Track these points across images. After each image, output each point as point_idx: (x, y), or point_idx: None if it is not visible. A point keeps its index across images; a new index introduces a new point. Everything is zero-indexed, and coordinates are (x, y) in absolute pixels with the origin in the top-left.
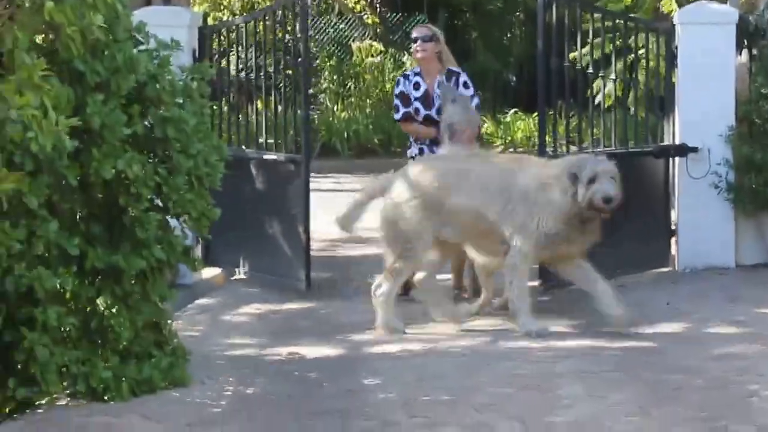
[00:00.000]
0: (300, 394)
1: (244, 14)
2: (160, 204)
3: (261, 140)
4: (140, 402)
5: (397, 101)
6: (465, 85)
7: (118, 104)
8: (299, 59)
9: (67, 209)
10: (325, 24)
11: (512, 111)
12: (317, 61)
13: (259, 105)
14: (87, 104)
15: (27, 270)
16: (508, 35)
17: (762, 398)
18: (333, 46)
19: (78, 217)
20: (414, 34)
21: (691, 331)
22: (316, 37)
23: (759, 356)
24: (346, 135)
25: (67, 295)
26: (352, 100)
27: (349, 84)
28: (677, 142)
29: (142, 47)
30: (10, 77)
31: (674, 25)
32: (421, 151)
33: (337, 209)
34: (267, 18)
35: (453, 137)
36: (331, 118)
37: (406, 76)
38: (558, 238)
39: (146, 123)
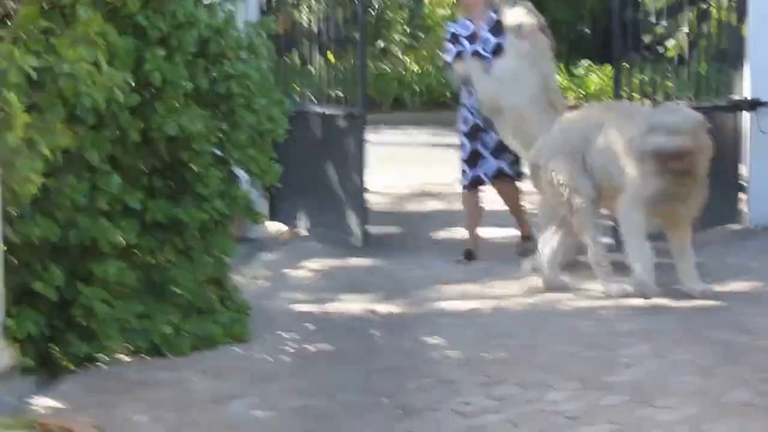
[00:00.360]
0: (360, 351)
1: None
2: (222, 157)
3: (322, 94)
4: (200, 357)
5: (447, 44)
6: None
7: (182, 60)
8: (357, 11)
9: (130, 164)
10: None
11: (585, 63)
12: (389, 14)
13: (324, 58)
14: (146, 59)
15: (90, 223)
16: None
17: None
18: None
19: (140, 171)
20: None
21: (759, 289)
22: None
23: None
24: (417, 88)
25: (130, 250)
26: (425, 52)
27: (421, 37)
28: (748, 96)
29: (206, 1)
30: (65, 32)
31: None
32: (466, 120)
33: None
34: None
35: (520, 34)
36: (403, 72)
37: (455, 21)
38: (649, 193)
39: (210, 78)
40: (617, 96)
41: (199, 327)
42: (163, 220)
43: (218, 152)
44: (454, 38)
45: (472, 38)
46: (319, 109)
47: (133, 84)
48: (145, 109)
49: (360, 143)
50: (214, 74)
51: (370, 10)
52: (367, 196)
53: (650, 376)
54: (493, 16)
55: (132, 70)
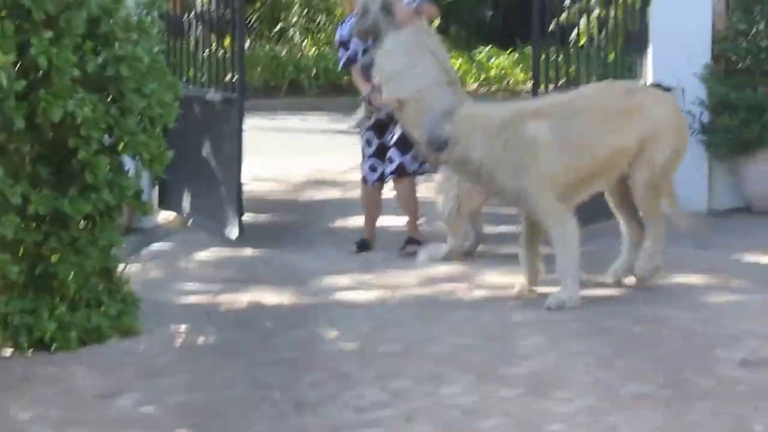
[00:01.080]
0: (252, 344)
1: None
2: (112, 145)
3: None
4: (87, 352)
5: (339, 51)
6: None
7: (70, 43)
8: None
9: (14, 150)
10: None
11: (487, 48)
12: None
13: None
14: (32, 44)
15: None
16: None
17: (724, 348)
18: None
19: (25, 159)
20: None
21: (659, 279)
22: None
23: (725, 306)
24: (314, 72)
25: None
26: (322, 35)
27: (319, 18)
28: (651, 80)
29: None
30: None
31: None
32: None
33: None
34: None
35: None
36: (299, 54)
37: (342, 23)
38: None
39: (98, 61)
40: (536, 82)
41: (86, 320)
42: (45, 212)
43: (107, 138)
44: (342, 44)
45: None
46: (200, 94)
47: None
48: (30, 94)
49: (237, 130)
50: (103, 56)
51: None
52: (254, 184)
53: (547, 368)
54: None
55: (17, 54)
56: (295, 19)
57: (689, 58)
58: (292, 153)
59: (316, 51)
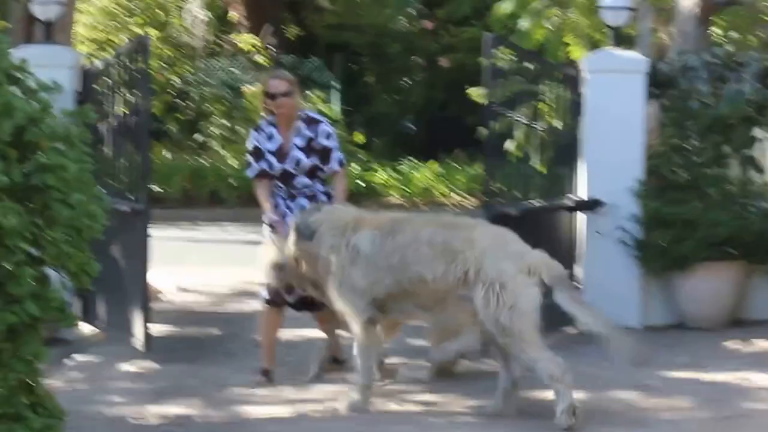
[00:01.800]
0: None
1: None
2: (36, 256)
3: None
4: None
5: (249, 157)
6: (327, 136)
7: None
8: (139, 99)
9: None
10: (215, 67)
11: (409, 160)
12: (208, 106)
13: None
14: None
15: None
16: (407, 81)
17: None
18: (223, 89)
19: None
20: (270, 90)
21: (593, 397)
22: (206, 79)
23: (662, 424)
24: (235, 183)
25: None
26: (242, 145)
27: (239, 129)
28: (583, 195)
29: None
30: None
31: (580, 71)
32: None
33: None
34: (121, 58)
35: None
36: (221, 166)
37: (258, 129)
38: None
39: (23, 170)
40: (486, 193)
41: None
42: None
43: (32, 250)
44: (257, 152)
45: (278, 152)
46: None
47: None
48: None
49: (143, 240)
50: (29, 165)
51: (188, 102)
52: (178, 295)
53: None
54: (305, 130)
55: None
56: (216, 131)
57: (622, 173)
58: (214, 264)
59: (236, 161)
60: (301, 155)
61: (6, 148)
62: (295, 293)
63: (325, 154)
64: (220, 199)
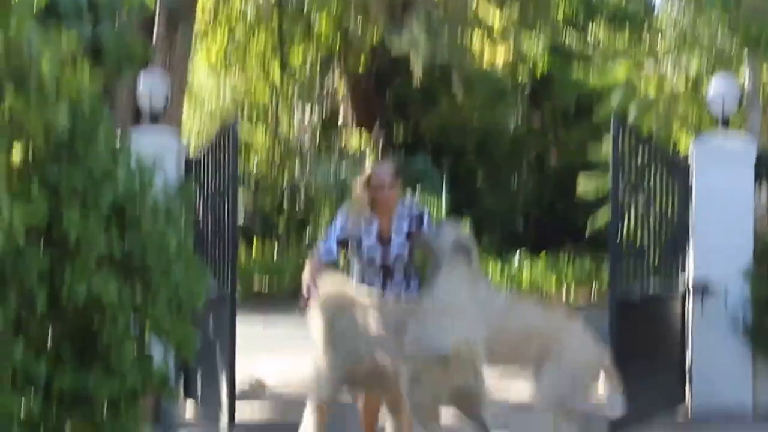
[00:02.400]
0: None
1: None
2: (138, 328)
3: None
4: None
5: (332, 244)
6: (428, 224)
7: (97, 219)
8: (228, 190)
9: (36, 330)
10: (324, 166)
11: (518, 253)
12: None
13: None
14: (62, 216)
15: None
16: (515, 180)
17: None
18: (334, 185)
19: (47, 339)
20: (376, 182)
21: None
22: (318, 177)
23: None
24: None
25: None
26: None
27: None
28: (692, 278)
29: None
30: None
31: (689, 159)
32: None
33: None
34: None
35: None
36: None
37: (356, 220)
38: None
39: (125, 246)
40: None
41: None
42: (69, 391)
43: (133, 324)
44: (343, 242)
45: (379, 242)
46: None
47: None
48: (54, 273)
49: (229, 325)
50: (130, 241)
51: (297, 196)
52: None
53: None
54: (405, 224)
55: (43, 230)
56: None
57: (732, 258)
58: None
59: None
60: (401, 251)
61: (107, 221)
62: None
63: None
64: None
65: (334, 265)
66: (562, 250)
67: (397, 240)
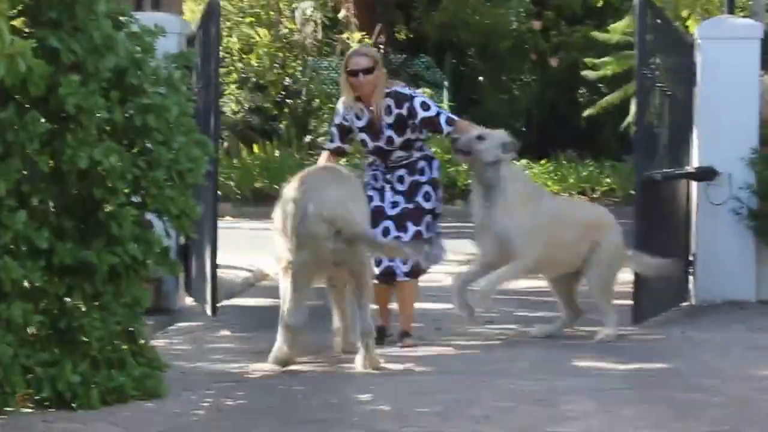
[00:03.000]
0: (282, 406)
1: None
2: (138, 199)
3: None
4: (110, 410)
5: (334, 131)
6: (425, 107)
7: (97, 87)
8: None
9: (38, 201)
10: (325, 66)
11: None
12: (317, 102)
13: None
14: (61, 84)
15: None
16: (517, 81)
17: None
18: (333, 87)
19: (48, 210)
20: (351, 66)
21: (709, 356)
22: (317, 76)
23: None
24: None
25: (35, 293)
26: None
27: None
28: (695, 165)
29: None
30: None
31: (694, 40)
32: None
33: None
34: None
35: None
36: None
37: (347, 106)
38: None
39: (125, 112)
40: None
41: (108, 379)
42: (71, 263)
43: (132, 192)
44: (342, 129)
45: (369, 128)
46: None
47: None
48: (55, 140)
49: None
50: (130, 108)
51: (298, 100)
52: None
53: (597, 429)
54: (396, 108)
55: (43, 97)
56: (325, 127)
57: (736, 142)
58: None
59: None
60: (392, 133)
61: (107, 88)
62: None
63: (430, 122)
64: None
65: (343, 154)
66: (565, 156)
67: (389, 132)
